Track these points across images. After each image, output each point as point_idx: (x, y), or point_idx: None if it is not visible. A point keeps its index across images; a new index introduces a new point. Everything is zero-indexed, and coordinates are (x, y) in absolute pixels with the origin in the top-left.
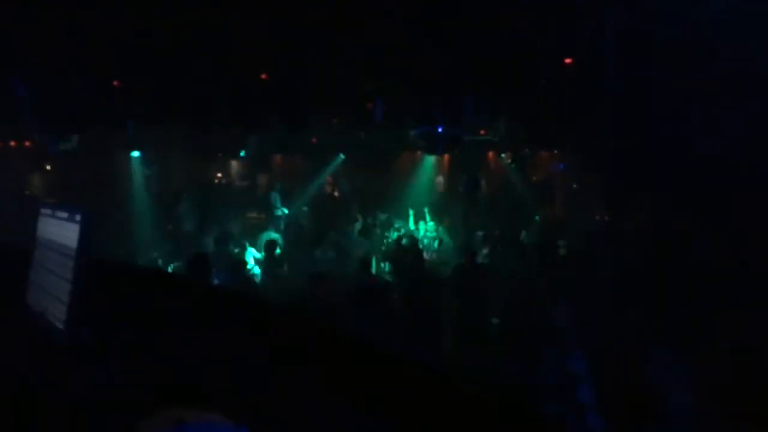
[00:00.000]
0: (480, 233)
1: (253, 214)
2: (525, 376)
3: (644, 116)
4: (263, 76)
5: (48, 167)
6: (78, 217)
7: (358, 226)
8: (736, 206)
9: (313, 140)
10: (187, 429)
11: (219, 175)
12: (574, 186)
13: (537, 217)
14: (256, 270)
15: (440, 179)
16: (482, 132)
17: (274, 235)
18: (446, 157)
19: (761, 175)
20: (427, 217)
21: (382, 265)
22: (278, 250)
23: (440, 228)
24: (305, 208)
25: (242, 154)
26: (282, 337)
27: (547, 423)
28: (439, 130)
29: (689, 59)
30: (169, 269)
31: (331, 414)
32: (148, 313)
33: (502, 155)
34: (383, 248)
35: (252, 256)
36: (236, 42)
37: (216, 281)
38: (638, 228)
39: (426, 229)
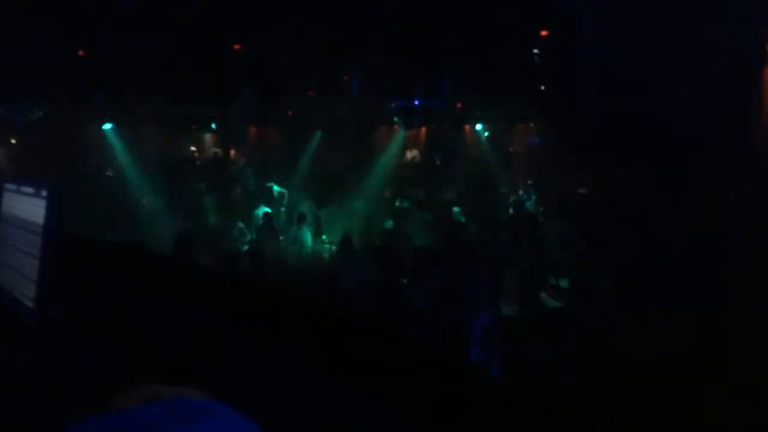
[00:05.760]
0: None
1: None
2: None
3: (618, 91)
4: (236, 46)
5: (13, 141)
6: (44, 193)
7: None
8: (709, 184)
9: (290, 113)
10: (163, 404)
11: (193, 148)
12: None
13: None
14: None
15: (416, 153)
16: (458, 105)
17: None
18: (423, 130)
19: (733, 152)
20: None
21: None
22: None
23: None
24: None
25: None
26: (264, 314)
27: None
28: (416, 102)
29: (665, 35)
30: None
31: (314, 390)
32: (123, 290)
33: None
34: None
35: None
36: (209, 10)
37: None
38: (610, 202)
39: None
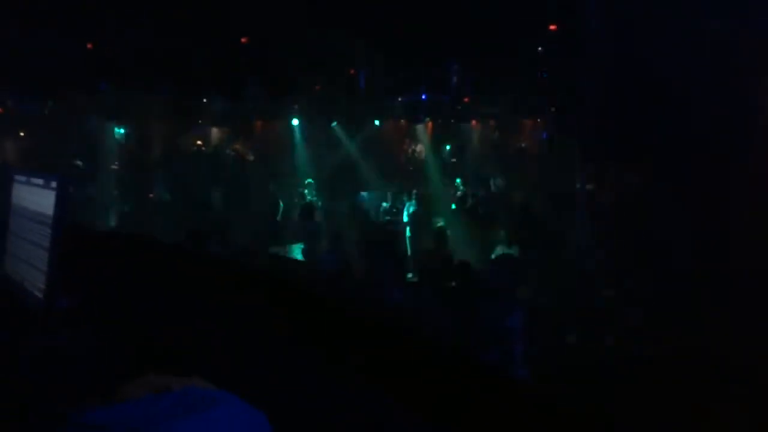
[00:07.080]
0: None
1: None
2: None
3: (627, 88)
4: (243, 40)
5: (22, 134)
6: (54, 184)
7: None
8: (714, 183)
9: (295, 107)
10: (170, 396)
11: (199, 142)
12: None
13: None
14: None
15: (420, 147)
16: (466, 100)
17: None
18: (429, 125)
19: (740, 151)
20: None
21: None
22: None
23: None
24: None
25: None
26: (266, 304)
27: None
28: (423, 97)
29: (673, 31)
30: None
31: (315, 378)
32: (131, 281)
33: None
34: None
35: None
36: (217, 5)
37: None
38: (616, 198)
39: None
